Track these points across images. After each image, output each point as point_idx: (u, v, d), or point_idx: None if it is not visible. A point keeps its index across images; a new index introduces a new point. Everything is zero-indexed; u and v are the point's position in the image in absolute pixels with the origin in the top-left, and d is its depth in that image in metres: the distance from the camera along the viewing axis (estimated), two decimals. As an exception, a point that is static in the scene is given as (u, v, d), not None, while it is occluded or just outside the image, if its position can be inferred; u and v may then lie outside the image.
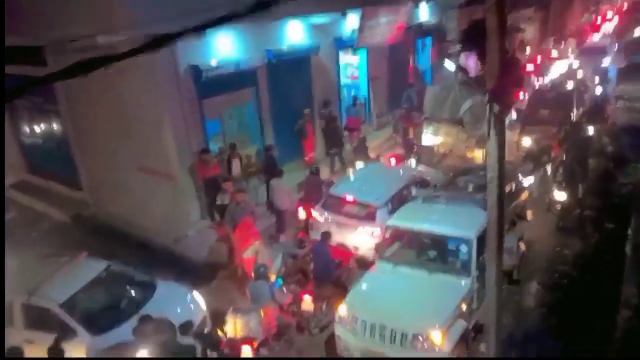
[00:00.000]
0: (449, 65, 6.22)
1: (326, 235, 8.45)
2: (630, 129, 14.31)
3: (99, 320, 6.99)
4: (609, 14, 33.21)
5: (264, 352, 6.98)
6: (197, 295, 7.88)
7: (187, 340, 6.30)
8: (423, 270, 7.33)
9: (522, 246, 8.88)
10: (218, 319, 7.77)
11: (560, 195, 10.46)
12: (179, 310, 7.48)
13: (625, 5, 34.46)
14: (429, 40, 17.75)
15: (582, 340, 7.10)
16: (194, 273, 9.17)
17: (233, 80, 10.52)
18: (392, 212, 9.30)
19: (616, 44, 22.20)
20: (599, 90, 16.53)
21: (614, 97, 16.20)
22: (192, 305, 7.65)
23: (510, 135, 13.18)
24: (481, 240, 7.27)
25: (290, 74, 12.05)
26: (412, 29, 15.77)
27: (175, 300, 7.72)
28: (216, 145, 11.04)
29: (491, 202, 5.30)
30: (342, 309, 6.94)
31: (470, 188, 9.38)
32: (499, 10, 4.73)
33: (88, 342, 6.70)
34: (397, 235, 8.11)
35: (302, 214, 10.13)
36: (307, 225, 9.94)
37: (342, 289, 7.97)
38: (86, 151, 11.46)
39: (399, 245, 8.10)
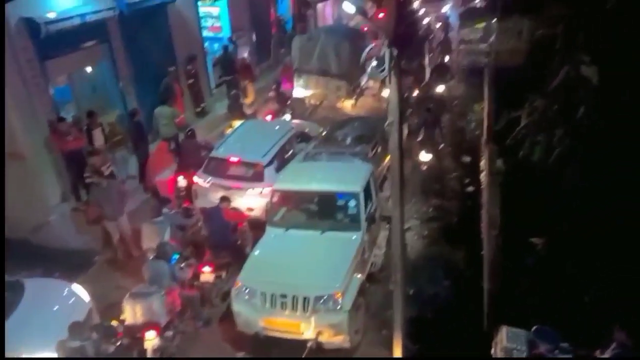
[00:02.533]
0: (348, 7, 6.04)
1: (224, 199, 8.02)
2: (472, 69, 15.81)
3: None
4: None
5: (169, 334, 6.47)
6: (76, 287, 6.93)
7: (75, 342, 5.52)
8: (314, 230, 7.24)
9: None
10: (108, 308, 7.01)
11: (425, 157, 10.80)
12: (57, 309, 6.56)
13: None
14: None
15: (456, 258, 7.91)
16: (63, 264, 8.05)
17: (80, 36, 9.08)
18: (278, 169, 9.15)
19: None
20: (440, 37, 17.60)
21: (457, 41, 17.66)
22: (73, 301, 6.72)
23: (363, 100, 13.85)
24: (367, 192, 7.55)
25: (146, 28, 10.82)
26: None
27: (52, 298, 6.70)
28: (69, 114, 9.56)
29: (392, 145, 5.37)
30: (238, 285, 6.65)
31: (349, 140, 9.55)
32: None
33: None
34: (284, 199, 7.91)
35: (182, 182, 9.39)
36: (190, 193, 9.29)
37: (240, 253, 7.70)
38: None
39: (288, 209, 7.90)
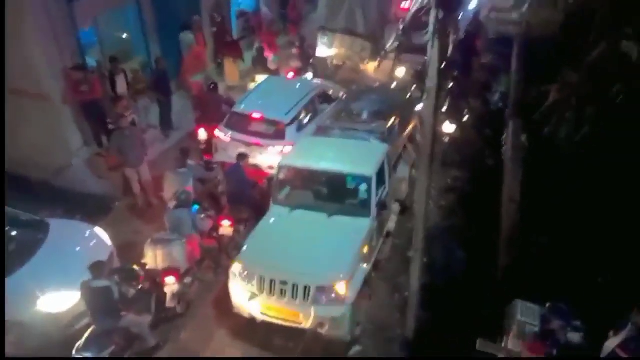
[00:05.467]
0: None
1: (242, 156, 8.03)
2: (501, 39, 15.34)
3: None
4: None
5: (188, 281, 6.64)
6: (99, 230, 7.09)
7: (100, 282, 5.67)
8: (321, 212, 6.82)
9: (414, 172, 8.76)
10: (127, 252, 7.18)
11: (449, 128, 10.35)
12: (79, 250, 6.73)
13: None
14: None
15: (473, 230, 7.85)
16: (83, 208, 8.20)
17: (107, -22, 8.87)
18: (299, 128, 9.11)
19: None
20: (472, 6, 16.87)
21: (488, 9, 17.05)
22: (95, 243, 6.88)
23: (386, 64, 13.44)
24: (380, 175, 7.08)
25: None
26: None
27: (75, 239, 6.87)
28: (93, 58, 9.48)
29: (428, 112, 5.29)
30: (237, 266, 6.32)
31: (365, 115, 8.90)
32: None
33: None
34: (291, 176, 7.48)
35: (203, 134, 9.40)
36: (210, 146, 9.31)
37: (258, 210, 7.76)
38: None
39: (294, 187, 7.47)
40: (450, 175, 9.56)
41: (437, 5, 4.61)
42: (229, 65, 11.91)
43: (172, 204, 7.04)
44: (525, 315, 5.48)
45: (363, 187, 6.99)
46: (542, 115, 9.73)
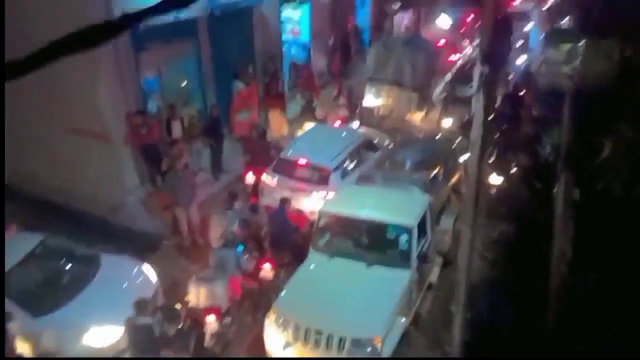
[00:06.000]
0: (444, 21, 6.05)
1: (285, 201, 8.18)
2: (553, 92, 15.16)
3: (39, 300, 6.27)
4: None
5: (227, 320, 6.70)
6: (147, 267, 7.34)
7: (143, 319, 5.83)
8: (360, 262, 6.71)
9: (458, 224, 8.49)
10: (171, 290, 7.36)
11: (496, 180, 10.28)
12: (126, 286, 6.96)
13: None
14: (367, -2, 17.41)
15: (526, 292, 7.47)
16: (134, 244, 8.52)
17: (172, 31, 9.48)
18: (344, 175, 9.24)
19: (537, 9, 23.24)
20: (522, 60, 16.74)
21: (540, 61, 17.01)
22: (142, 279, 7.11)
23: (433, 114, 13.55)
24: (421, 226, 6.98)
25: (231, 27, 11.24)
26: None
27: (123, 274, 7.13)
28: (155, 103, 10.13)
29: (472, 164, 5.29)
30: (273, 313, 6.31)
31: (409, 164, 8.89)
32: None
33: (30, 325, 6.00)
34: (332, 223, 7.45)
35: (250, 178, 9.71)
36: (257, 190, 9.57)
37: (299, 254, 7.80)
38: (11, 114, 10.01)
39: (334, 234, 7.43)
40: (497, 229, 9.31)
41: (482, 61, 4.69)
42: (275, 117, 11.97)
43: (218, 244, 7.22)
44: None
45: (404, 237, 6.87)
46: (595, 169, 9.40)
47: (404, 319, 6.33)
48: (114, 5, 8.26)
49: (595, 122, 10.98)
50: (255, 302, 7.33)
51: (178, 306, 6.54)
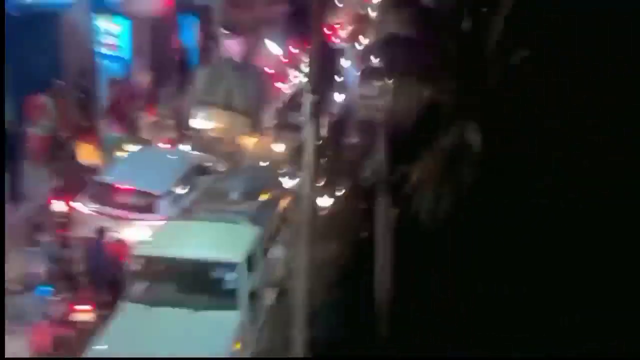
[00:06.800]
0: (273, 47, 6.11)
1: (101, 232, 7.29)
2: (369, 123, 16.75)
3: None
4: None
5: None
6: None
7: None
8: (184, 308, 6.08)
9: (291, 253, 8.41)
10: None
11: (326, 202, 10.50)
12: None
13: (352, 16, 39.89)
14: (194, 19, 16.98)
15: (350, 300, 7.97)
16: None
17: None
18: (175, 202, 8.63)
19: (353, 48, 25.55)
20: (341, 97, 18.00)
21: (357, 96, 18.66)
22: None
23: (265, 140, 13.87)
24: (250, 261, 6.61)
25: (34, 33, 9.78)
26: (178, 3, 14.86)
27: None
28: None
29: (305, 186, 5.39)
30: None
31: (236, 195, 8.47)
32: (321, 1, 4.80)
33: None
34: (148, 267, 6.64)
35: (59, 206, 8.41)
36: (67, 220, 8.33)
37: (121, 290, 6.95)
38: None
39: (152, 279, 6.66)
40: (328, 248, 9.74)
41: (310, 90, 4.89)
42: (85, 149, 10.08)
43: (15, 288, 6.00)
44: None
45: (231, 275, 6.35)
46: (407, 192, 10.59)
47: None
48: None
49: (404, 151, 12.49)
50: (72, 350, 6.22)
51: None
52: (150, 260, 6.62)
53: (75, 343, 6.27)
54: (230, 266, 6.34)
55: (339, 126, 13.49)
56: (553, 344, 6.73)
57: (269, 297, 7.62)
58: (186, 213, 7.88)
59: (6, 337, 5.38)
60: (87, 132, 10.64)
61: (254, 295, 6.49)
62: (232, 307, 6.14)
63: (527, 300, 7.34)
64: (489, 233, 7.83)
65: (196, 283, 6.50)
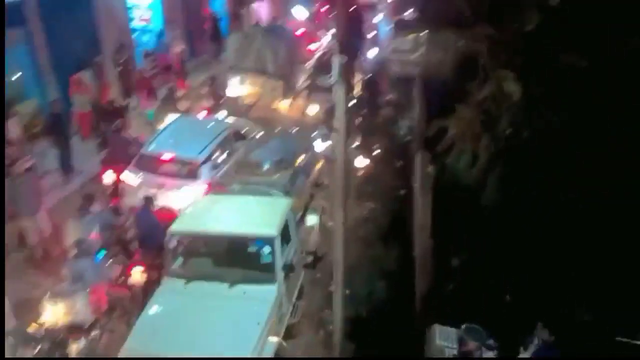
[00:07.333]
0: (299, 12, 6.06)
1: (148, 200, 7.61)
2: (403, 79, 16.37)
3: None
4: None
5: (95, 334, 6.09)
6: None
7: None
8: (221, 283, 6.14)
9: (324, 219, 8.44)
10: (23, 310, 6.44)
11: (362, 162, 10.29)
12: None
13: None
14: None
15: (390, 259, 7.84)
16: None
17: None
18: (214, 167, 8.94)
19: (384, 2, 24.73)
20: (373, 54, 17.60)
21: (389, 51, 18.17)
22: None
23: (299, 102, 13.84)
24: (284, 234, 6.56)
25: (70, 13, 10.08)
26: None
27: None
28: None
29: (339, 149, 5.45)
30: (126, 350, 5.51)
31: (266, 166, 8.36)
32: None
33: None
34: (185, 244, 6.78)
35: (109, 177, 8.88)
36: (117, 190, 8.81)
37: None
38: None
39: (189, 256, 6.78)
40: (366, 207, 9.85)
41: (339, 52, 4.86)
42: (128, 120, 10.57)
43: (73, 253, 6.50)
44: (443, 338, 5.69)
45: (266, 249, 6.36)
46: (443, 148, 10.44)
47: (275, 339, 5.90)
48: None
49: (440, 105, 12.17)
50: (127, 309, 6.76)
51: (33, 328, 5.75)
52: (186, 237, 6.77)
53: (130, 302, 6.81)
54: (265, 240, 6.36)
55: (372, 84, 13.28)
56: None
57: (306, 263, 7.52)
58: (225, 179, 7.97)
59: (67, 298, 5.88)
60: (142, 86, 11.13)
61: (289, 267, 6.49)
62: (269, 280, 6.18)
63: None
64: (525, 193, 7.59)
65: (232, 258, 6.57)
